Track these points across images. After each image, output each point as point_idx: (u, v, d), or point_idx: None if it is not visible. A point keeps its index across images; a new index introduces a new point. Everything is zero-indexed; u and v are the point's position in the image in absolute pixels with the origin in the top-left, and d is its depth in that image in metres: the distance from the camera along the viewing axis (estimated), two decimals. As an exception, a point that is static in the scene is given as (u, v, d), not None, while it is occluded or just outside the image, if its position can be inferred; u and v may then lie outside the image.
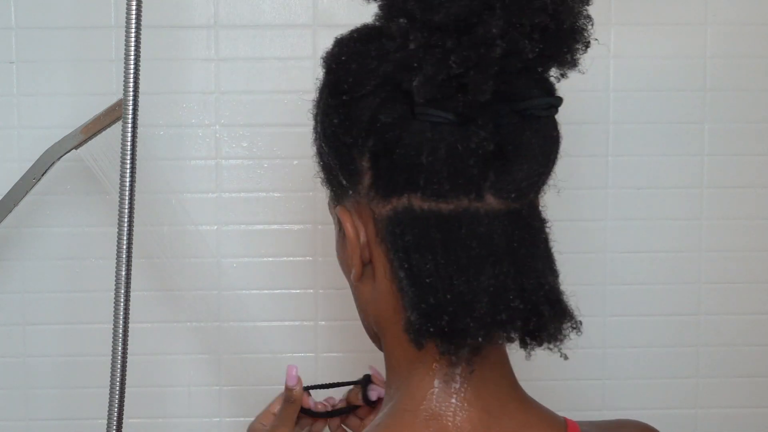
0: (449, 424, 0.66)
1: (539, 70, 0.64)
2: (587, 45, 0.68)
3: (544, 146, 0.67)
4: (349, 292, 0.73)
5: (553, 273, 0.68)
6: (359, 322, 0.74)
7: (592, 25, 0.68)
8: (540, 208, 0.70)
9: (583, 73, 0.70)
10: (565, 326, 0.66)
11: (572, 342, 1.16)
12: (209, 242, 1.21)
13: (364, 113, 0.64)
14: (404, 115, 0.63)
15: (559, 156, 0.69)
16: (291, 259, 1.23)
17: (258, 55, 1.21)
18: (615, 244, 1.24)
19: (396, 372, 0.70)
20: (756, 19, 1.22)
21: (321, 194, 1.21)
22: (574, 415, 0.87)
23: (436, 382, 0.67)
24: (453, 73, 0.60)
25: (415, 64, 0.61)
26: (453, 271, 0.63)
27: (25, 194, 1.08)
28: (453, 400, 0.66)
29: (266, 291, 1.23)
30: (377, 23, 0.66)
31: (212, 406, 1.24)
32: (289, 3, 1.20)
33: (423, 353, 0.66)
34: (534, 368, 1.21)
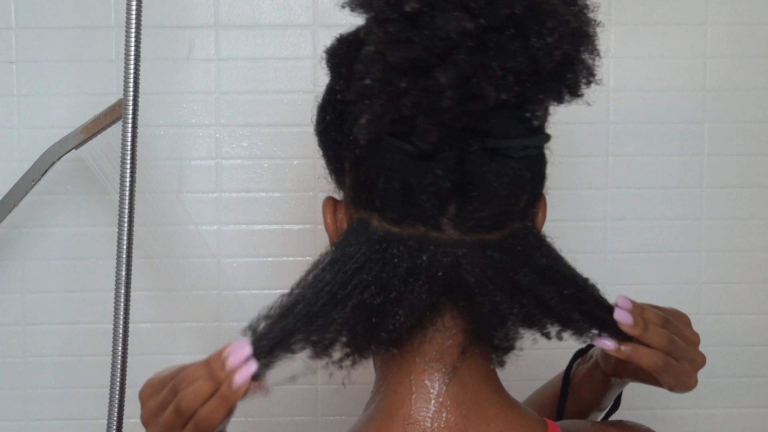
0: (427, 429, 0.66)
1: (522, 109, 0.62)
2: (589, 80, 0.66)
3: (511, 186, 0.65)
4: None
5: (532, 299, 0.67)
6: (359, 322, 0.74)
7: (595, 58, 0.65)
8: (530, 234, 0.69)
9: (590, 105, 0.69)
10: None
11: (572, 341, 1.17)
12: (209, 242, 1.21)
13: (349, 119, 0.65)
14: (373, 137, 0.62)
15: (543, 189, 0.71)
16: (291, 259, 1.23)
17: (258, 55, 1.21)
18: (615, 244, 1.24)
19: (379, 374, 0.71)
20: (756, 19, 1.22)
21: (321, 194, 1.21)
22: (574, 415, 0.88)
23: (414, 388, 0.67)
24: (402, 114, 0.60)
25: (366, 101, 0.60)
26: (388, 296, 0.63)
27: (25, 194, 1.08)
28: (431, 406, 0.67)
29: (266, 291, 1.23)
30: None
31: (212, 406, 1.24)
32: (289, 3, 1.20)
33: (402, 358, 0.67)
34: (534, 368, 1.21)
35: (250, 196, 1.22)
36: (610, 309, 0.72)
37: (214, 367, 0.63)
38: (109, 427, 0.91)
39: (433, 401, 0.67)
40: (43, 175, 1.08)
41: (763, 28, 1.22)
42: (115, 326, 0.91)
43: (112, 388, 0.91)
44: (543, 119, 0.67)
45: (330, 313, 0.64)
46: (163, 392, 0.68)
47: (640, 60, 1.22)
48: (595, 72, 0.65)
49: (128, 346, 0.92)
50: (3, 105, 1.20)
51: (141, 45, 0.89)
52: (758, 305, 1.25)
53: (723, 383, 1.26)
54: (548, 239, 0.70)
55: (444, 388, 0.67)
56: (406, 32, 0.59)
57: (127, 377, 0.92)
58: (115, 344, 0.91)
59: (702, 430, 1.26)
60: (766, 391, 1.26)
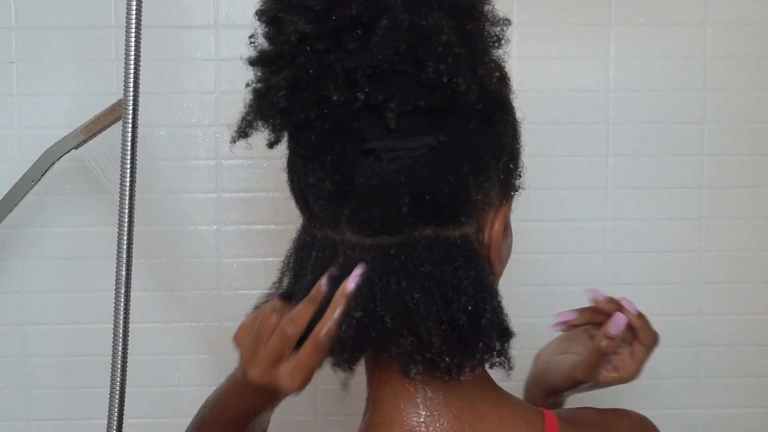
0: None
1: (386, 109, 0.62)
2: (453, 77, 0.62)
3: (384, 189, 0.64)
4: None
5: (431, 313, 0.64)
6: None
7: (453, 53, 0.62)
8: (434, 243, 0.65)
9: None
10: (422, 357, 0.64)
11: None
12: (209, 242, 1.21)
13: None
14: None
15: (478, 197, 0.67)
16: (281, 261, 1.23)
17: (258, 55, 1.21)
18: (615, 244, 1.24)
19: (368, 382, 0.71)
20: (756, 19, 1.22)
21: (321, 194, 1.21)
22: (574, 415, 0.87)
23: (399, 395, 0.68)
24: (263, 116, 0.66)
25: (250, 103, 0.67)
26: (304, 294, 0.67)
27: (25, 194, 1.08)
28: (421, 411, 0.67)
29: (266, 291, 1.22)
30: None
31: (212, 406, 1.24)
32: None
33: (382, 365, 0.68)
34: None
35: (250, 196, 1.22)
36: (502, 334, 0.67)
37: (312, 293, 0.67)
38: (109, 427, 0.91)
39: (421, 406, 0.67)
40: (43, 175, 1.08)
41: (763, 28, 1.22)
42: (115, 326, 0.91)
43: (112, 388, 0.91)
44: (422, 120, 0.64)
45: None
46: (261, 325, 0.71)
47: (640, 60, 1.22)
48: (456, 67, 0.62)
49: (128, 346, 0.92)
50: (3, 105, 1.20)
51: (141, 45, 0.89)
52: (758, 305, 1.25)
53: (723, 383, 1.26)
54: (467, 254, 0.66)
55: (428, 391, 0.67)
56: (265, 37, 0.66)
57: (127, 377, 0.92)
58: (115, 344, 0.91)
59: (702, 430, 1.26)
60: (766, 391, 1.26)
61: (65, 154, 1.07)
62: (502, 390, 0.71)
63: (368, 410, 0.70)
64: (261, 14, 0.67)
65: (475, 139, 0.66)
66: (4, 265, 1.22)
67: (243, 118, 0.67)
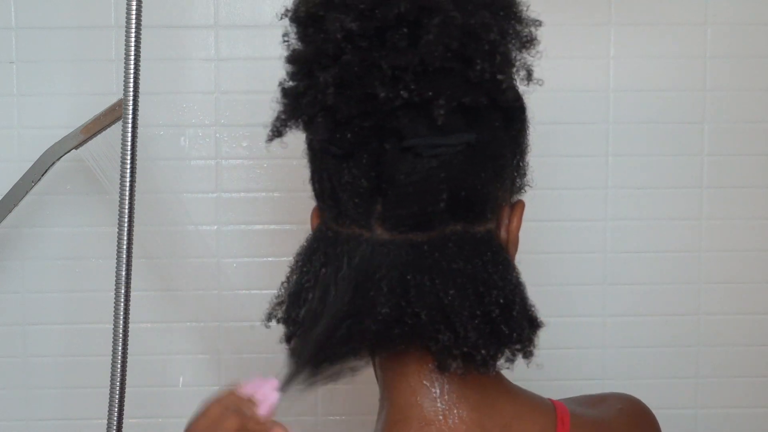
0: (444, 428, 0.67)
1: (429, 107, 0.62)
2: (494, 73, 0.64)
3: (424, 185, 0.65)
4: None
5: (465, 308, 0.64)
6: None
7: (501, 51, 0.64)
8: (464, 239, 0.66)
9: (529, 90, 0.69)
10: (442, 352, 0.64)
11: (572, 341, 1.19)
12: (209, 242, 1.21)
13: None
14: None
15: (501, 193, 0.68)
16: (291, 259, 1.23)
17: (258, 55, 1.21)
18: (615, 244, 1.24)
19: (380, 380, 0.71)
20: (756, 19, 1.22)
21: (321, 194, 1.21)
22: (574, 415, 0.87)
23: (420, 391, 0.68)
24: (301, 114, 0.66)
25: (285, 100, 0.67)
26: (321, 293, 0.66)
27: (25, 194, 1.08)
28: (438, 404, 0.67)
29: (266, 291, 1.22)
30: None
31: (212, 406, 1.24)
32: (290, 3, 1.20)
33: (396, 361, 0.68)
34: (534, 368, 1.21)
35: (249, 196, 1.22)
36: (532, 324, 0.68)
37: (241, 405, 0.66)
38: (109, 427, 0.91)
39: (438, 400, 0.67)
40: (43, 175, 1.08)
41: (763, 28, 1.22)
42: (115, 326, 0.91)
43: (112, 388, 0.91)
44: (460, 118, 0.65)
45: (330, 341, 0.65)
46: None
47: (640, 60, 1.22)
48: (500, 65, 0.64)
49: (128, 346, 0.92)
50: (3, 105, 1.20)
51: (141, 45, 0.89)
52: (758, 305, 1.25)
53: (723, 383, 1.26)
54: (494, 250, 0.67)
55: (445, 385, 0.67)
56: (302, 36, 0.65)
57: (127, 377, 0.92)
58: (115, 344, 0.91)
59: (702, 430, 1.26)
60: (766, 391, 1.26)
61: (65, 154, 1.07)
62: (513, 383, 0.72)
63: (383, 408, 0.70)
64: (298, 13, 0.66)
65: (501, 137, 0.68)
66: (4, 265, 1.22)
67: (278, 117, 0.67)
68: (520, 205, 0.72)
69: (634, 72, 1.22)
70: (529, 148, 0.74)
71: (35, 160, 1.08)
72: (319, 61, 0.64)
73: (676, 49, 1.22)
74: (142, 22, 0.89)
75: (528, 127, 0.73)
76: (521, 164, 0.72)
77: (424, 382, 0.68)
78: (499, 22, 0.64)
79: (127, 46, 0.88)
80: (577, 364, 1.24)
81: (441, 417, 0.67)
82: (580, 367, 1.24)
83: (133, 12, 0.88)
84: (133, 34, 0.88)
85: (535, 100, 1.29)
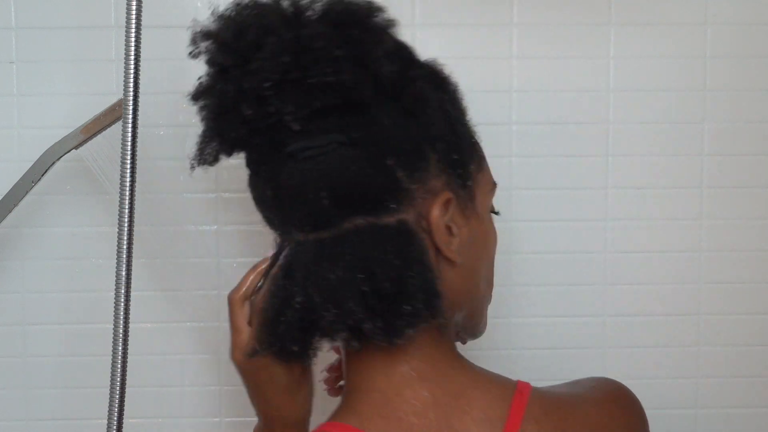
0: (392, 396, 0.74)
1: (288, 117, 0.72)
2: (324, 82, 0.72)
3: (305, 186, 0.74)
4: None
5: (358, 293, 0.72)
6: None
7: (331, 65, 0.72)
8: (365, 231, 0.74)
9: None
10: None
11: (572, 341, 1.19)
12: (209, 242, 1.21)
13: None
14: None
15: (395, 183, 0.74)
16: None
17: (258, 55, 1.21)
18: (615, 244, 1.24)
19: (344, 363, 0.81)
20: (756, 19, 1.22)
21: (321, 194, 1.20)
22: (574, 415, 0.87)
23: (373, 371, 0.76)
24: (203, 135, 0.78)
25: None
26: (272, 292, 0.77)
27: (25, 194, 1.08)
28: (388, 377, 0.75)
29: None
30: None
31: (212, 406, 1.24)
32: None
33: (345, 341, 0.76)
34: (534, 368, 1.21)
35: (250, 196, 1.22)
36: (429, 297, 0.74)
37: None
38: (109, 427, 0.91)
39: (387, 372, 0.75)
40: (43, 175, 1.08)
41: (763, 28, 1.22)
42: (115, 326, 0.91)
43: (112, 388, 0.91)
44: (328, 120, 0.73)
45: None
46: None
47: (640, 60, 1.22)
48: (336, 67, 0.71)
49: (128, 346, 0.92)
50: (3, 105, 1.20)
51: (141, 45, 0.89)
52: (758, 305, 1.25)
53: (723, 383, 1.26)
54: (402, 237, 0.74)
55: (393, 360, 0.75)
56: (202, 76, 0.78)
57: (127, 377, 0.92)
58: (115, 344, 0.91)
59: (702, 430, 1.26)
60: (766, 391, 1.26)
61: (65, 154, 1.07)
62: (474, 364, 0.80)
63: (346, 390, 0.80)
64: (190, 54, 0.78)
65: (399, 133, 0.74)
66: (4, 265, 1.22)
67: (198, 146, 0.78)
68: (442, 196, 0.76)
69: (634, 72, 1.22)
70: (466, 139, 0.80)
71: (35, 160, 1.08)
72: (207, 94, 0.76)
73: (676, 49, 1.22)
74: (142, 22, 0.89)
75: (450, 118, 0.78)
76: (454, 156, 0.77)
77: (370, 358, 0.76)
78: (337, 31, 0.72)
79: (127, 46, 0.88)
80: (577, 364, 1.24)
81: (391, 388, 0.75)
82: (580, 367, 1.24)
83: (133, 12, 0.88)
84: (133, 34, 0.88)
85: (535, 100, 1.29)
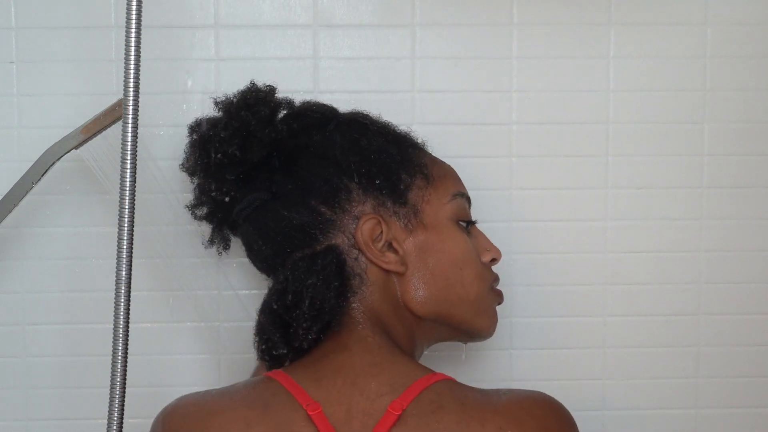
0: (327, 361, 0.87)
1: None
2: (233, 153, 0.96)
3: (248, 240, 0.98)
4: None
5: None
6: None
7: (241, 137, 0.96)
8: (298, 262, 0.91)
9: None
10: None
11: (572, 341, 1.19)
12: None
13: None
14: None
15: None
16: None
17: (258, 55, 1.21)
18: (615, 244, 1.24)
19: None
20: (756, 19, 1.22)
21: (321, 194, 1.20)
22: (574, 415, 0.88)
23: (326, 355, 0.89)
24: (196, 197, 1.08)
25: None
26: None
27: (25, 194, 1.08)
28: (338, 352, 0.88)
29: (266, 291, 1.22)
30: None
31: (212, 406, 1.24)
32: (289, 3, 1.20)
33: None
34: (534, 368, 1.20)
35: (250, 196, 1.22)
36: (316, 317, 0.89)
37: None
38: (109, 427, 0.91)
39: (338, 352, 0.87)
40: (43, 175, 1.08)
41: (763, 28, 1.22)
42: (115, 326, 0.91)
43: (112, 388, 0.91)
44: (256, 184, 0.96)
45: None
46: None
47: (640, 60, 1.22)
48: (224, 144, 0.95)
49: (128, 346, 0.92)
50: (3, 105, 1.20)
51: (141, 45, 0.89)
52: (758, 305, 1.25)
53: (723, 383, 1.26)
54: (327, 261, 0.87)
55: (343, 349, 0.88)
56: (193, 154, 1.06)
57: (127, 377, 0.92)
58: (115, 344, 0.91)
59: (702, 430, 1.26)
60: (766, 391, 1.26)
61: (65, 154, 1.07)
62: (411, 359, 0.89)
63: None
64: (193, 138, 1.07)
65: (316, 176, 0.90)
66: (4, 265, 1.22)
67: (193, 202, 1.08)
68: (363, 218, 0.89)
69: (634, 72, 1.22)
70: (386, 167, 0.92)
71: (35, 160, 1.08)
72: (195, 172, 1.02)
73: (676, 49, 1.22)
74: (142, 22, 0.89)
75: (358, 153, 0.92)
76: (377, 181, 0.90)
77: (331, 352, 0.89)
78: (227, 117, 0.97)
79: (127, 46, 0.88)
80: (577, 364, 1.24)
81: (327, 356, 0.88)
82: (580, 367, 1.24)
83: (133, 12, 0.88)
84: (133, 34, 0.88)
85: (535, 100, 1.29)
